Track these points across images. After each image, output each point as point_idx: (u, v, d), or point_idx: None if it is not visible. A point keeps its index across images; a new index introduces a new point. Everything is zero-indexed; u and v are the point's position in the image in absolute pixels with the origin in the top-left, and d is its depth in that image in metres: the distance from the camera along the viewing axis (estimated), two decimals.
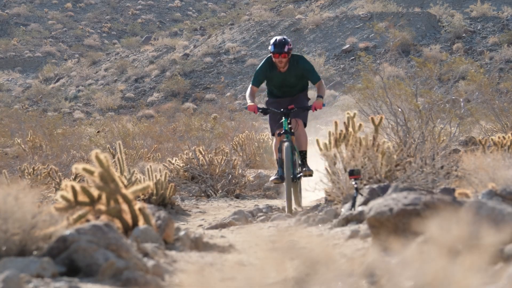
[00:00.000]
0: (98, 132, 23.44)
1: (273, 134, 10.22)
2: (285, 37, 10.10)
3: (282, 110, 9.98)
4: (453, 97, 10.62)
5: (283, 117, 9.90)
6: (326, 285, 3.81)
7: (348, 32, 55.07)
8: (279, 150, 9.87)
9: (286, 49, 9.95)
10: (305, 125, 10.18)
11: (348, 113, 9.04)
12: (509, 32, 51.35)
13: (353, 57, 50.53)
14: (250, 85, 10.20)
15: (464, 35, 52.52)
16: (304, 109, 10.04)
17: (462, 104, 10.08)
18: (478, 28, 53.63)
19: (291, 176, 9.65)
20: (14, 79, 62.21)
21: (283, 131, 9.83)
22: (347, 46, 53.23)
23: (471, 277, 3.55)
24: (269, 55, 10.14)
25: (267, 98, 10.50)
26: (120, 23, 75.20)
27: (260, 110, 10.00)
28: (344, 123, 8.98)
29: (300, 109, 9.99)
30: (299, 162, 10.04)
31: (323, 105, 9.82)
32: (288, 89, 10.24)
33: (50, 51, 67.97)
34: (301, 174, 9.95)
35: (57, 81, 60.45)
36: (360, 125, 9.00)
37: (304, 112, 10.12)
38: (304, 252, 4.15)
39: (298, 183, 10.05)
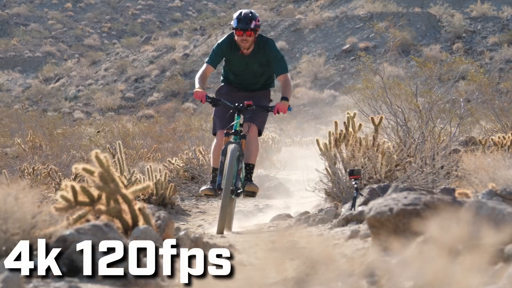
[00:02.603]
0: (98, 132, 23.41)
1: (214, 133, 8.20)
2: (252, 10, 8.05)
3: (236, 105, 7.95)
4: (453, 97, 10.63)
5: (236, 114, 7.92)
6: (326, 285, 3.81)
7: (348, 32, 55.08)
8: (223, 153, 7.80)
9: (252, 26, 7.91)
10: (260, 133, 8.16)
11: (348, 113, 9.06)
12: (509, 32, 51.40)
13: (353, 57, 50.55)
14: (205, 64, 8.15)
15: (464, 35, 52.54)
16: (264, 109, 8.01)
17: (462, 104, 10.08)
18: (478, 28, 53.65)
19: (232, 188, 7.75)
20: (14, 79, 62.23)
21: (233, 131, 7.88)
22: (347, 46, 53.25)
23: (471, 277, 3.55)
24: (232, 31, 8.11)
25: (221, 84, 8.43)
26: (120, 23, 75.17)
27: (209, 100, 7.94)
28: (344, 123, 9.00)
29: (259, 108, 7.97)
30: (244, 175, 8.08)
31: (289, 109, 7.88)
32: (248, 77, 8.21)
33: (50, 51, 67.97)
34: (240, 190, 8.01)
35: (57, 81, 60.46)
36: (360, 125, 9.02)
37: (262, 115, 8.10)
38: (304, 252, 4.15)
39: (234, 200, 8.18)
